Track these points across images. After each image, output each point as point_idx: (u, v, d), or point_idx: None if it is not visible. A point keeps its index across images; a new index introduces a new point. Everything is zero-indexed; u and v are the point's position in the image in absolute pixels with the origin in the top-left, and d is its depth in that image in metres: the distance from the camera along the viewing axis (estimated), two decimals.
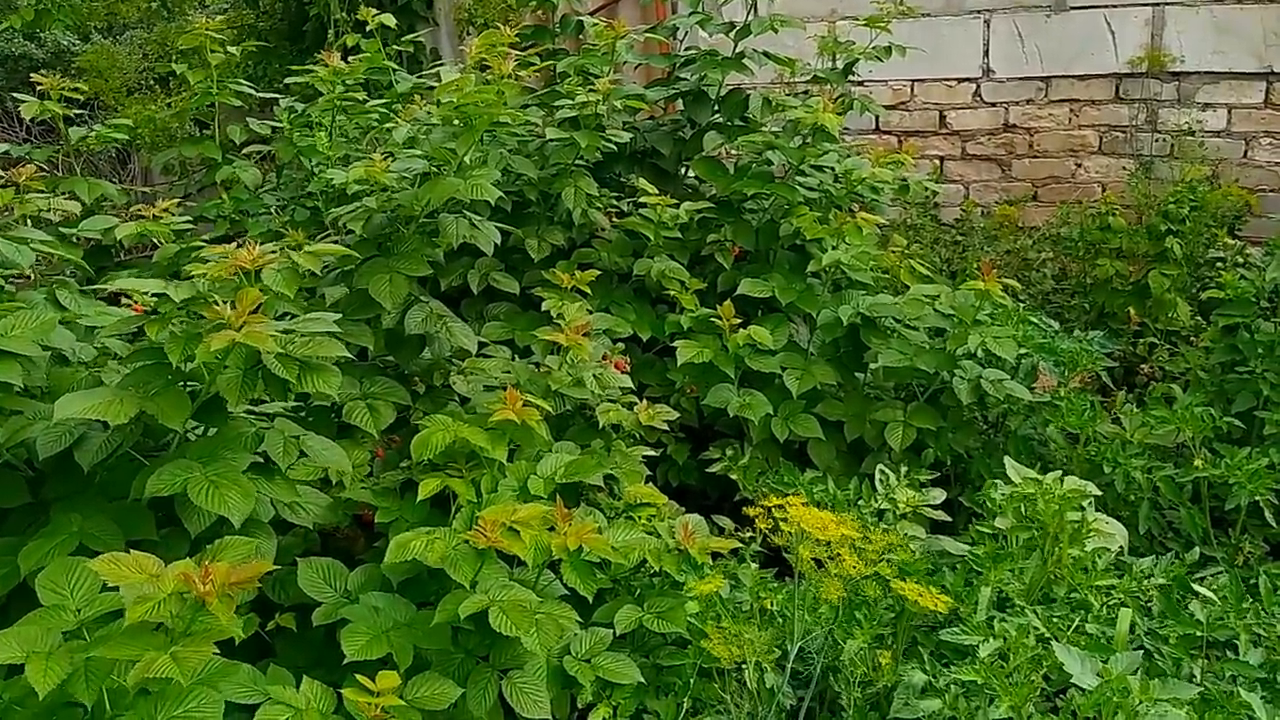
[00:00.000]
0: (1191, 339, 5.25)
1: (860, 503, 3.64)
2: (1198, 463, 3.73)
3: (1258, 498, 3.52)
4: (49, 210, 3.14)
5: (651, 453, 3.71)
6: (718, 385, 4.24)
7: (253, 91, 5.00)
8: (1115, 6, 7.12)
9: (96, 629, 2.01)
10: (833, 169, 4.68)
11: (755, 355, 4.30)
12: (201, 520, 2.46)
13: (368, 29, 5.02)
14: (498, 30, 3.78)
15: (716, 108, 4.80)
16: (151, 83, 9.01)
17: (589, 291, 4.08)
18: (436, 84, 3.43)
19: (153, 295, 2.29)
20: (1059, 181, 7.56)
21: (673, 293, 4.40)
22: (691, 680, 2.86)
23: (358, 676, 2.27)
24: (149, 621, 1.86)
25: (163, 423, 2.26)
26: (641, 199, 4.33)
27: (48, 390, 2.59)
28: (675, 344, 4.20)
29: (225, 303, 2.26)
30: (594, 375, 3.22)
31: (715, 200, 4.67)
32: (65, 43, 11.00)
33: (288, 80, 5.00)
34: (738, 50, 4.70)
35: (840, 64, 5.01)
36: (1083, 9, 7.19)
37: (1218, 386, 4.27)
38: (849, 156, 4.69)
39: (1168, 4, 6.98)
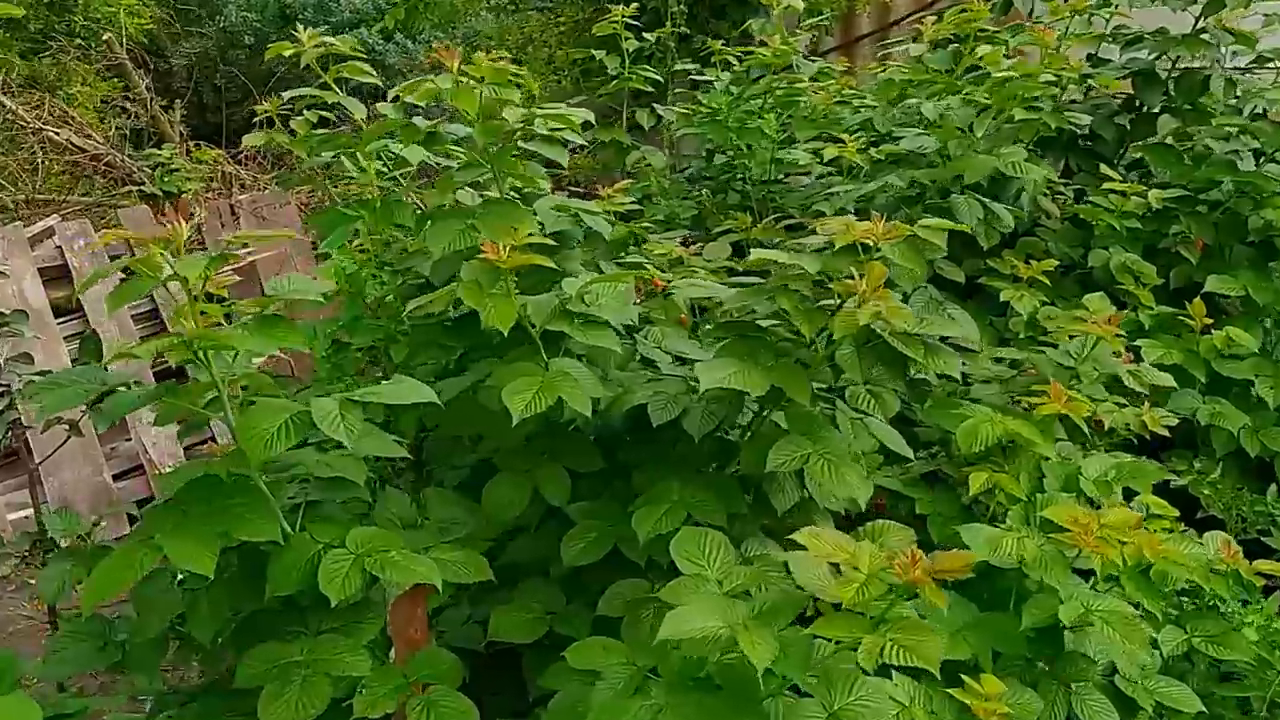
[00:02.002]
0: None
1: None
2: None
3: None
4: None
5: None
6: (1181, 391, 3.90)
7: (659, 78, 5.03)
8: None
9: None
10: None
11: (1222, 360, 3.93)
12: (788, 498, 2.40)
13: (773, 12, 4.92)
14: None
15: (1166, 91, 4.44)
16: None
17: (1047, 282, 3.84)
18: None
19: (784, 266, 2.22)
20: None
21: (1127, 288, 4.09)
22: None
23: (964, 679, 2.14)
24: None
25: (792, 395, 2.19)
26: (1104, 186, 4.04)
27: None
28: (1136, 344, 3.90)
29: (855, 276, 2.17)
30: (1128, 371, 2.98)
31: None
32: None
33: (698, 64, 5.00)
34: (1198, 26, 4.33)
35: None
36: None
37: None
38: None
39: None
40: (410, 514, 2.49)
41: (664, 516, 2.29)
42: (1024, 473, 2.83)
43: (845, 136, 3.57)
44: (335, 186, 3.58)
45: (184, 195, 6.80)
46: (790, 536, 1.86)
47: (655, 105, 5.19)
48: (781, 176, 4.41)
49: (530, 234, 2.26)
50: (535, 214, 2.56)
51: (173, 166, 7.50)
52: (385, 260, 3.00)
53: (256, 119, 3.52)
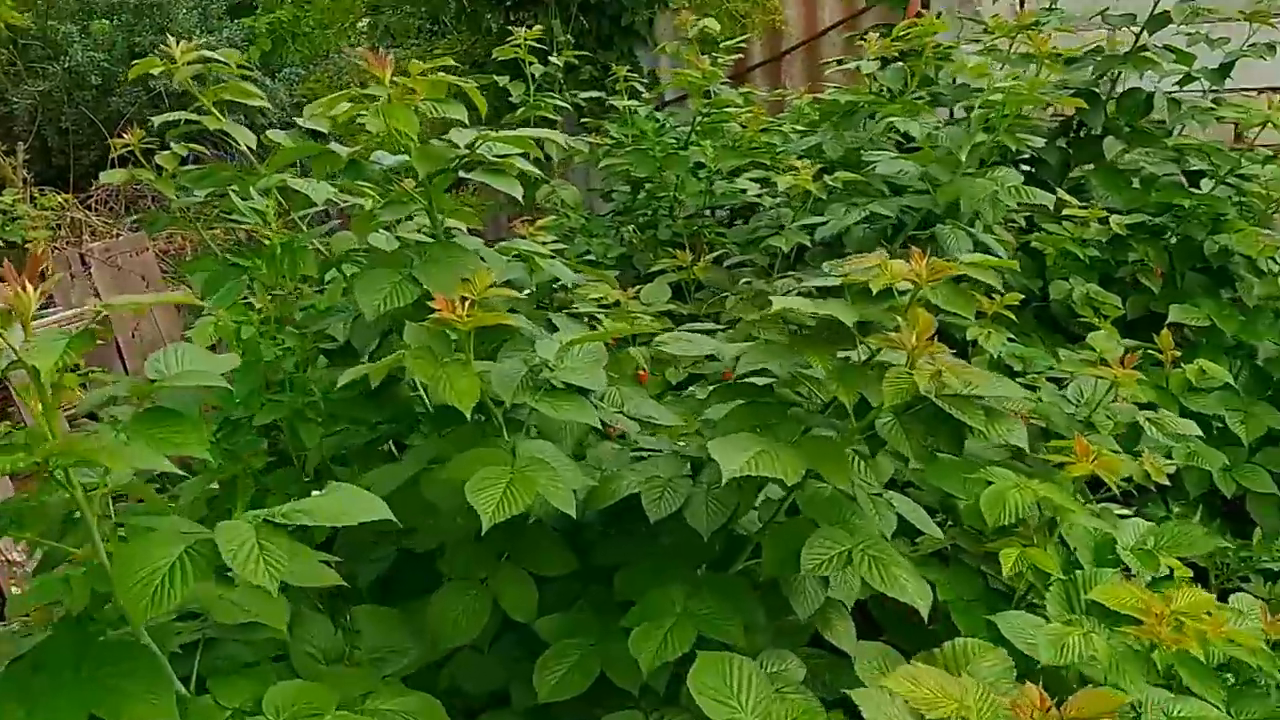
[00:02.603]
0: None
1: None
2: None
3: None
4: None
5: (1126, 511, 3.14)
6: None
7: (569, 106, 4.61)
8: None
9: None
10: (1250, 178, 4.06)
11: (1191, 395, 3.69)
12: (811, 601, 1.97)
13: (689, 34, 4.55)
14: None
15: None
16: None
17: (1013, 318, 3.54)
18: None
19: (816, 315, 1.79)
20: None
21: (1086, 319, 3.83)
22: None
23: None
24: None
25: (830, 480, 1.76)
26: (1064, 212, 3.77)
27: None
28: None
29: (903, 329, 1.76)
30: (1148, 419, 2.66)
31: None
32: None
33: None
34: (1139, 44, 4.13)
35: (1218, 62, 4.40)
36: None
37: None
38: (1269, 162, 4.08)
39: None
40: (335, 644, 1.95)
41: (669, 636, 1.82)
42: (1052, 544, 2.47)
43: (798, 164, 3.19)
44: (210, 229, 3.02)
45: (28, 245, 6.03)
46: (884, 683, 1.41)
47: (564, 136, 4.75)
48: (714, 209, 4.02)
49: (491, 285, 1.78)
50: (482, 259, 2.08)
51: (15, 214, 6.72)
52: (283, 316, 2.46)
53: (115, 154, 2.93)
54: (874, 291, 1.78)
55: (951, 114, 3.83)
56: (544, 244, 2.84)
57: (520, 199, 2.01)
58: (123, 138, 2.91)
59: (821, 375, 1.85)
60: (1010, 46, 3.94)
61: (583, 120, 5.07)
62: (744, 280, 3.11)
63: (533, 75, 4.52)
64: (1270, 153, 4.20)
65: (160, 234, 6.46)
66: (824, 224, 2.91)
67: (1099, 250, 3.86)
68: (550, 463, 1.81)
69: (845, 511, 1.92)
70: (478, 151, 1.92)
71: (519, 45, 4.42)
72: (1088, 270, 3.90)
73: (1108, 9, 4.26)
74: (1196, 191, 3.99)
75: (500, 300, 1.80)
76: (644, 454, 2.10)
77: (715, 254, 3.66)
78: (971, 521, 2.41)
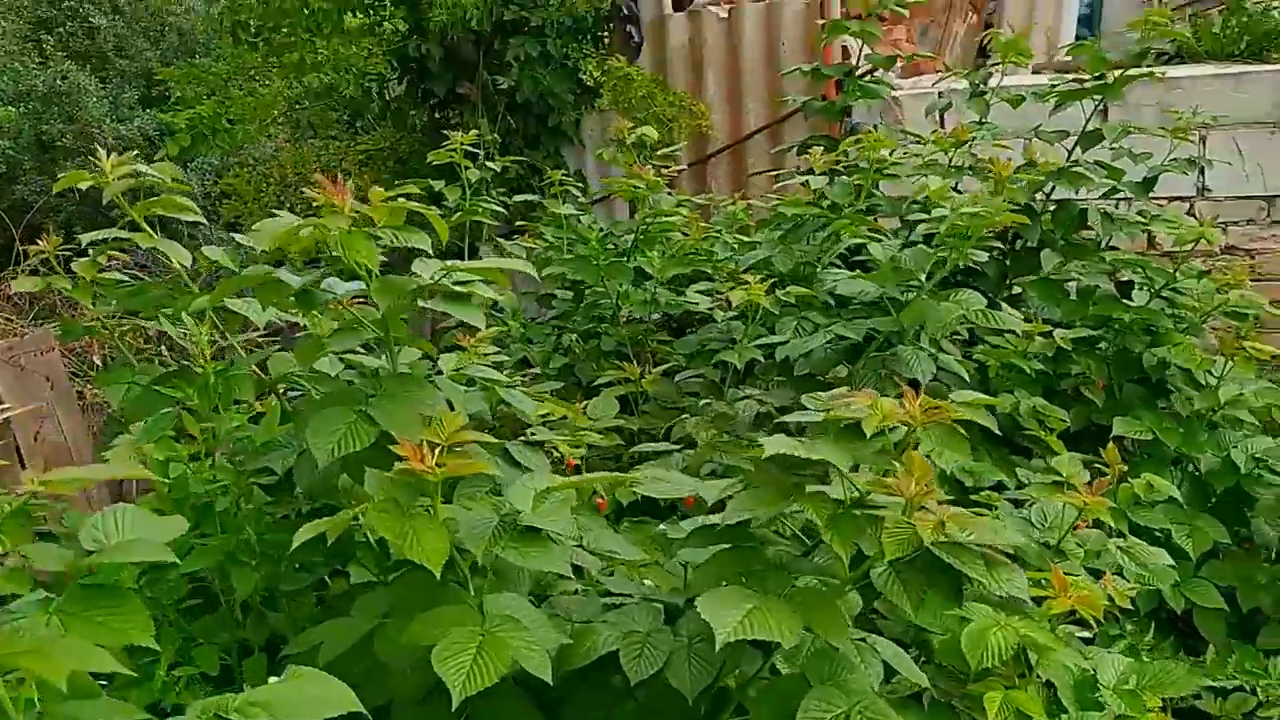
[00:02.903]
0: None
1: None
2: None
3: None
4: None
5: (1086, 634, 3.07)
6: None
7: (505, 210, 4.53)
8: None
9: None
10: (1184, 292, 4.13)
11: (1137, 509, 3.67)
12: None
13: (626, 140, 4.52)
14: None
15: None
16: (290, 205, 8.61)
17: (964, 434, 3.50)
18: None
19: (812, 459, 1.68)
20: None
21: (1032, 432, 3.81)
22: None
23: None
24: None
25: (828, 638, 1.64)
26: (1006, 327, 3.77)
27: None
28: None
29: (897, 474, 1.66)
30: (1120, 548, 2.60)
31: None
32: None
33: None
34: (1072, 160, 4.22)
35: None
36: None
37: None
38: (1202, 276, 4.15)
39: None
40: None
41: None
42: (1032, 684, 2.37)
43: (748, 277, 3.13)
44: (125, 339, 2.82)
45: None
46: None
47: (500, 240, 4.68)
48: (658, 318, 3.94)
49: (462, 427, 1.63)
50: (439, 389, 1.93)
51: None
52: (212, 449, 2.27)
53: (28, 261, 2.74)
54: (867, 434, 1.69)
55: (906, 226, 3.84)
56: (485, 355, 2.72)
57: (482, 326, 1.88)
58: (37, 243, 2.72)
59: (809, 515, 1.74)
60: (949, 160, 4.00)
61: (515, 223, 4.99)
62: (703, 401, 3.01)
63: (469, 180, 4.43)
64: (1204, 267, 4.30)
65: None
66: (784, 343, 2.84)
67: (1042, 363, 3.87)
68: (522, 621, 1.65)
69: (835, 665, 1.79)
70: (440, 281, 1.79)
71: (454, 149, 4.33)
72: (1032, 384, 3.90)
73: (1040, 125, 4.35)
74: (1132, 304, 4.04)
75: (475, 444, 1.65)
76: (613, 600, 1.95)
77: (663, 366, 3.56)
78: (948, 660, 2.30)
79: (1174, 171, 4.56)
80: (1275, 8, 6.10)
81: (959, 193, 3.72)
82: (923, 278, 2.71)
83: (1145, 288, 4.10)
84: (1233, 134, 7.13)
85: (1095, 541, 2.68)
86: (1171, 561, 2.76)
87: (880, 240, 2.98)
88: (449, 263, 1.79)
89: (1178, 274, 4.04)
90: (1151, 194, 7.44)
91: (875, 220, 3.58)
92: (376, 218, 1.76)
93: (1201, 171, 7.23)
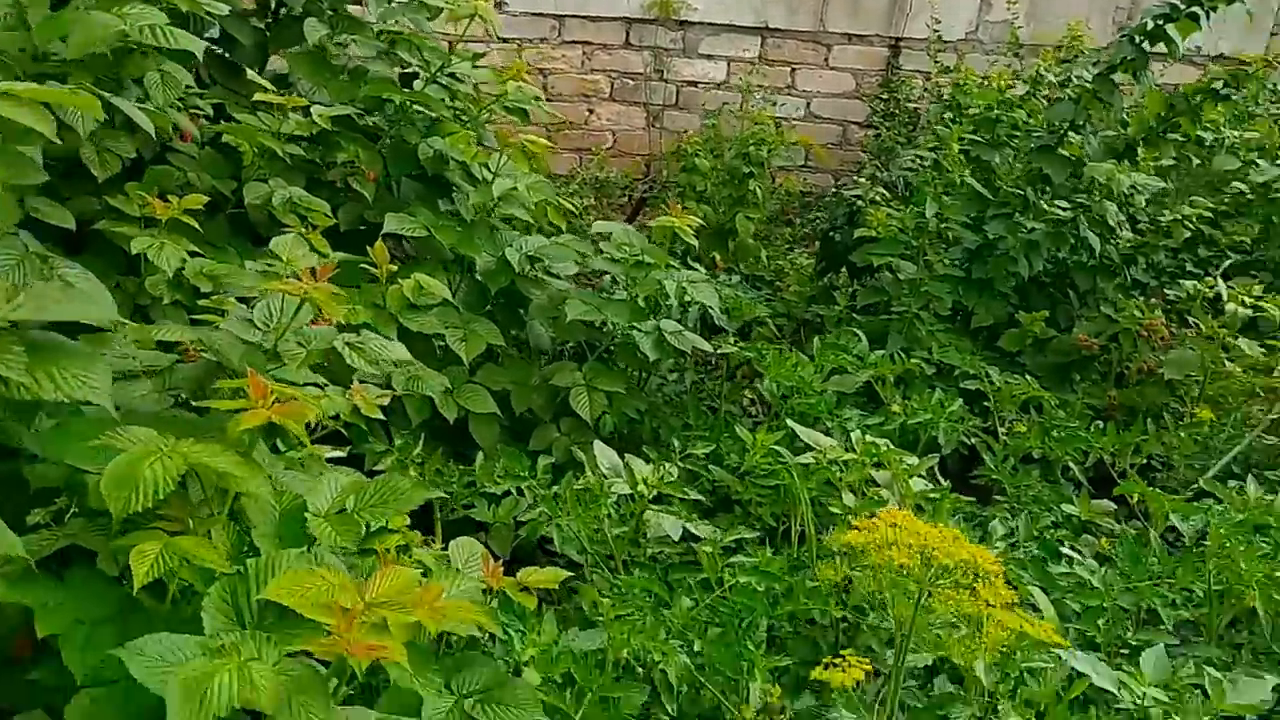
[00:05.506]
0: (778, 282, 5.22)
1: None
2: (894, 408, 3.55)
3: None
4: None
5: (340, 453, 2.62)
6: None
7: None
8: None
9: None
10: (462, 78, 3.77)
11: (409, 313, 3.30)
12: None
13: None
14: None
15: None
16: None
17: (196, 225, 2.82)
18: None
19: None
20: (572, 127, 7.26)
21: (292, 228, 3.22)
22: None
23: None
24: None
25: None
26: (256, 100, 3.08)
27: None
28: None
29: None
30: (348, 344, 2.09)
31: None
32: None
33: None
34: None
35: None
36: None
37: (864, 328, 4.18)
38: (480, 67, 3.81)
39: None
40: None
41: None
42: (220, 523, 1.78)
43: None
44: None
45: None
46: None
47: None
48: None
49: None
50: None
51: None
52: None
53: None
54: None
55: None
56: None
57: None
58: None
59: None
60: None
61: None
62: None
63: None
64: (479, 50, 3.96)
65: None
66: None
67: (304, 149, 3.26)
68: None
69: None
70: None
71: None
72: (290, 171, 3.29)
73: None
74: (409, 92, 3.58)
75: None
76: None
77: None
78: (100, 504, 1.63)
79: None
80: None
81: None
82: None
83: (423, 72, 3.66)
84: None
85: (322, 338, 2.15)
86: (408, 355, 2.34)
87: None
88: None
89: (453, 59, 3.65)
90: None
91: None
92: None
93: None
